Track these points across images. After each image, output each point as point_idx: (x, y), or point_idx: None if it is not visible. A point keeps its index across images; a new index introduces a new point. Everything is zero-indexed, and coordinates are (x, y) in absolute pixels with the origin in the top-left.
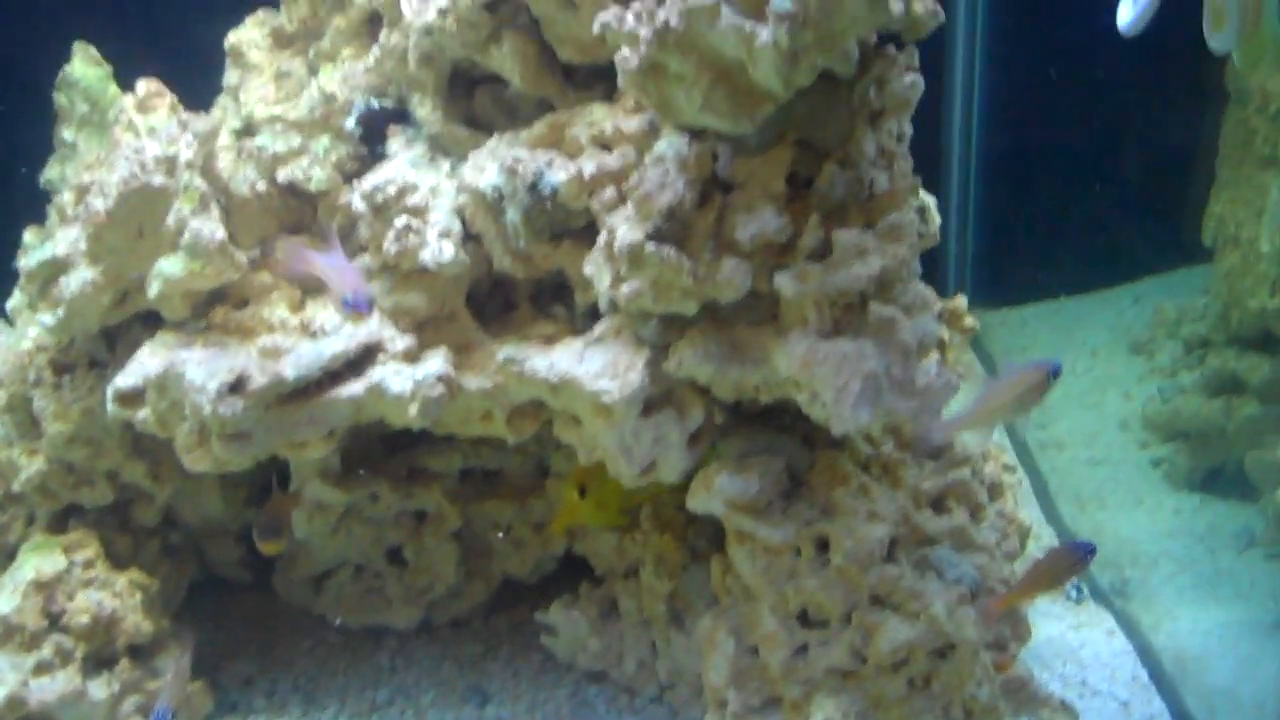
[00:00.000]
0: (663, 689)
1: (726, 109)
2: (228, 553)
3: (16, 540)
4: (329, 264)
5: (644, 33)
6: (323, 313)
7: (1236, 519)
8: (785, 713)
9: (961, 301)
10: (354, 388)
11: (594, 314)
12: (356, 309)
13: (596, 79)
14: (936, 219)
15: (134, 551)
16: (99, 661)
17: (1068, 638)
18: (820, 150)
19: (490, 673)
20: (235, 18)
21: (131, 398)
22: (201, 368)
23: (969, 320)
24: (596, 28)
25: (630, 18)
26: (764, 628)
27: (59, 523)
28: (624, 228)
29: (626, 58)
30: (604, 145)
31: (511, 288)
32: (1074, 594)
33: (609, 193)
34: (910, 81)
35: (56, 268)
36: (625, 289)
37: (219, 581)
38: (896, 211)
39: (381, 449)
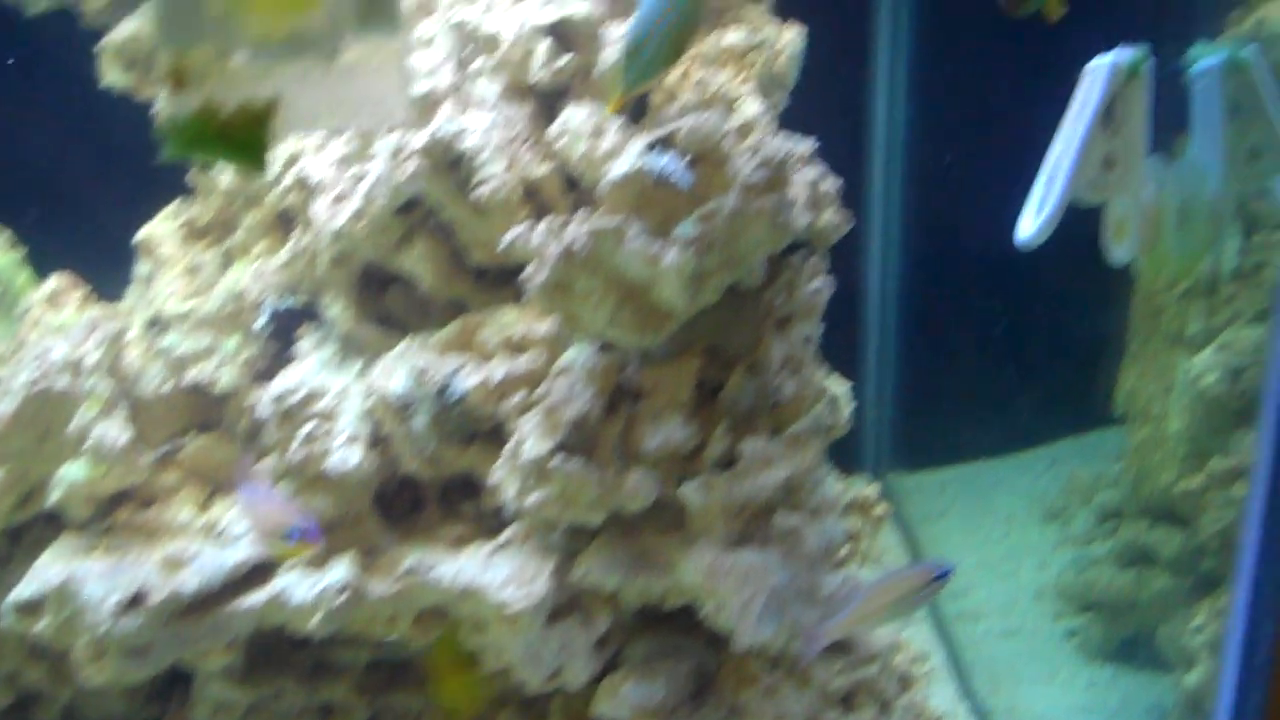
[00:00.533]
0: None
1: (633, 325)
2: None
3: None
4: (252, 497)
5: (551, 250)
6: (229, 514)
7: (1149, 693)
8: None
9: (872, 491)
10: (256, 598)
11: (500, 513)
12: (307, 539)
13: (508, 279)
14: (846, 409)
15: None
16: None
17: None
18: (728, 358)
19: None
20: (153, 205)
21: (31, 609)
22: (100, 582)
23: (879, 510)
24: (505, 242)
25: (538, 234)
26: None
27: None
28: (530, 440)
29: (534, 273)
30: (515, 348)
31: (420, 487)
32: None
33: (518, 397)
34: (818, 287)
35: None
36: (531, 499)
37: None
38: (803, 419)
39: (287, 644)
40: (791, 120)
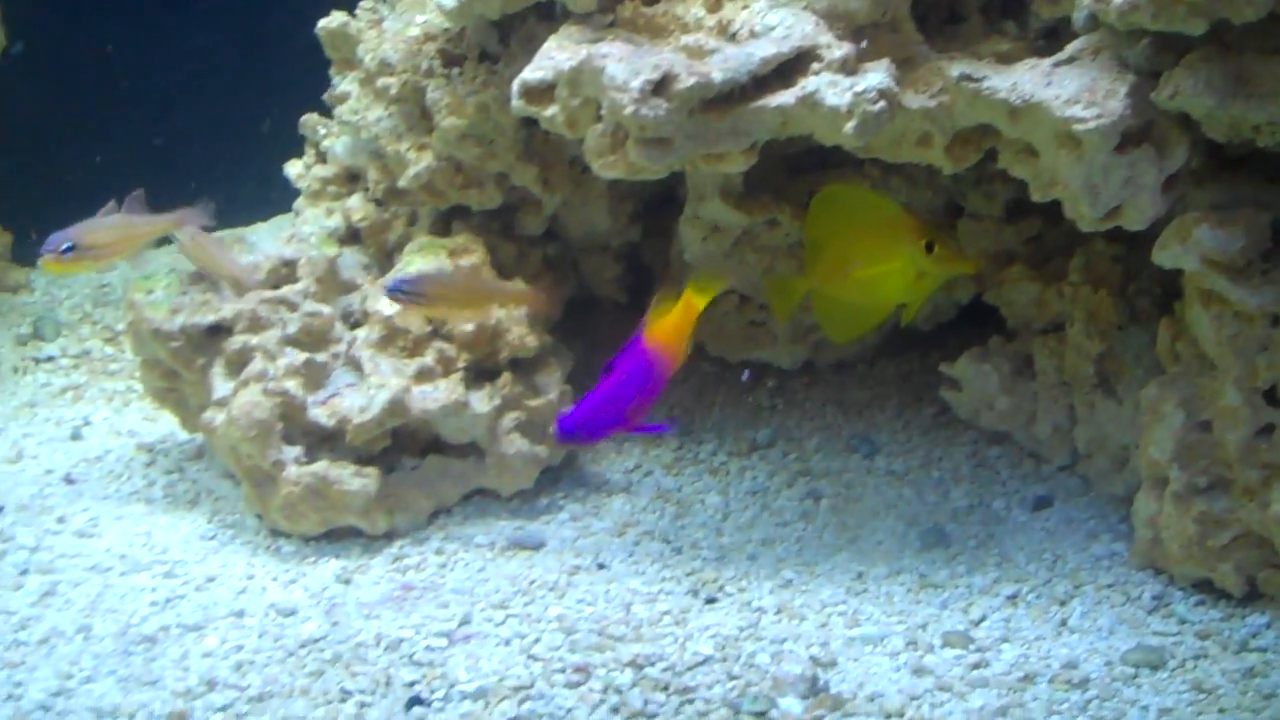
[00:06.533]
0: (1077, 458)
1: None
2: (605, 270)
3: (397, 239)
4: None
5: None
6: (744, 13)
7: None
8: (1236, 496)
9: None
10: (784, 97)
11: (1051, 34)
12: None
13: None
14: None
15: (517, 260)
16: (480, 373)
17: None
18: None
19: (878, 423)
20: None
21: (539, 93)
22: (622, 64)
23: None
24: None
25: None
26: (1224, 401)
27: (442, 224)
28: None
29: None
30: None
31: None
32: None
33: None
34: None
35: None
36: (1119, 1)
37: (592, 300)
38: None
39: (783, 171)
40: None
